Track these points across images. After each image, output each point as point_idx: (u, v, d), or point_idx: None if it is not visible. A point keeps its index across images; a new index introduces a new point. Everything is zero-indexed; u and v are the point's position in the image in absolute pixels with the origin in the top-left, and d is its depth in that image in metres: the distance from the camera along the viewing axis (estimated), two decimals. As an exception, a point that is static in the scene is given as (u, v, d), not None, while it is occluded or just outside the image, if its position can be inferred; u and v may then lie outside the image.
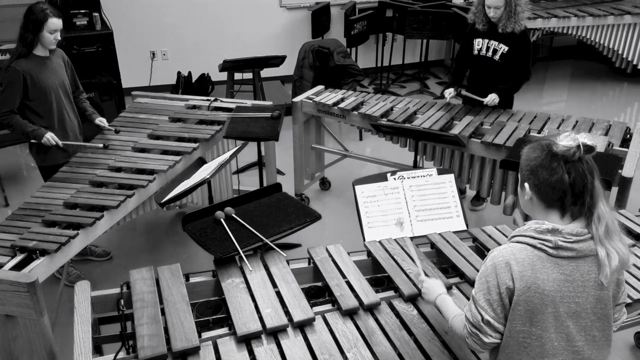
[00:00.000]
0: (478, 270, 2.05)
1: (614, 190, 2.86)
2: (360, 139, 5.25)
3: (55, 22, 3.00)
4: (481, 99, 3.60)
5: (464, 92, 3.71)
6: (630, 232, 2.47)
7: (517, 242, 1.49)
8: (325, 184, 4.46)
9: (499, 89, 3.58)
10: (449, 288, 2.02)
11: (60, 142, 3.10)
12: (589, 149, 1.43)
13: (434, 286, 1.78)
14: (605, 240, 1.45)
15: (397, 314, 1.91)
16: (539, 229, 1.46)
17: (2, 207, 4.16)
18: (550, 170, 1.43)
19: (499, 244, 2.26)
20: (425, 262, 2.14)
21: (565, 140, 1.43)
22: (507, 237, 2.31)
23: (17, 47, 3.04)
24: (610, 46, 6.08)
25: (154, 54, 6.06)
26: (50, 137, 3.06)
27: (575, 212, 1.46)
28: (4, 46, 4.84)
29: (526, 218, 2.37)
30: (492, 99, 3.55)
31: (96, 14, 5.11)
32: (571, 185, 1.43)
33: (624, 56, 6.15)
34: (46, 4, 3.09)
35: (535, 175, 1.46)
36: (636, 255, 2.32)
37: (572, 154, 1.42)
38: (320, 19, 6.08)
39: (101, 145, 3.25)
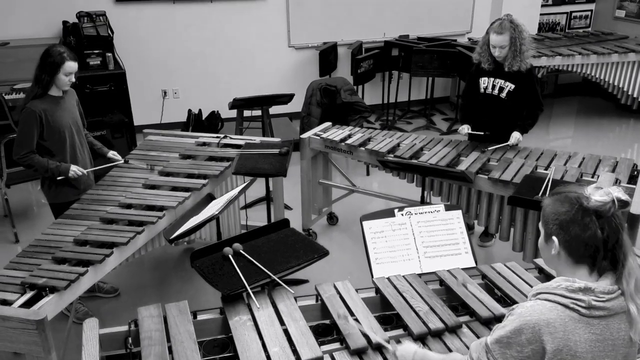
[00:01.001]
0: (487, 308, 2.06)
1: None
2: (368, 174, 5.27)
3: (71, 65, 3.08)
4: (504, 144, 3.57)
5: (470, 132, 3.72)
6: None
7: (546, 300, 1.42)
8: (332, 219, 4.47)
9: (519, 125, 3.61)
10: (458, 327, 2.00)
11: (85, 171, 3.19)
12: (623, 204, 1.38)
13: (406, 347, 1.72)
14: (635, 295, 1.41)
15: (406, 353, 1.89)
16: (571, 287, 1.40)
17: (13, 243, 4.19)
18: (582, 226, 1.38)
19: (509, 282, 2.24)
20: (434, 300, 2.12)
21: (599, 195, 1.38)
22: (517, 275, 2.30)
23: (33, 88, 3.11)
24: (615, 83, 6.14)
25: (165, 92, 6.19)
26: (76, 169, 3.14)
27: (605, 267, 1.42)
28: (19, 85, 4.96)
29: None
30: (516, 137, 3.57)
31: (109, 54, 5.25)
32: (604, 241, 1.38)
33: (629, 93, 6.20)
34: (63, 46, 3.18)
35: (566, 230, 1.40)
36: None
37: (607, 209, 1.37)
38: (327, 58, 6.21)
39: (122, 160, 3.42)
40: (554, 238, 1.44)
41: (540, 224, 1.50)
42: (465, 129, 3.68)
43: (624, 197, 1.39)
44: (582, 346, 1.37)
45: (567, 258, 1.44)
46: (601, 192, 1.39)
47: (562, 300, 1.39)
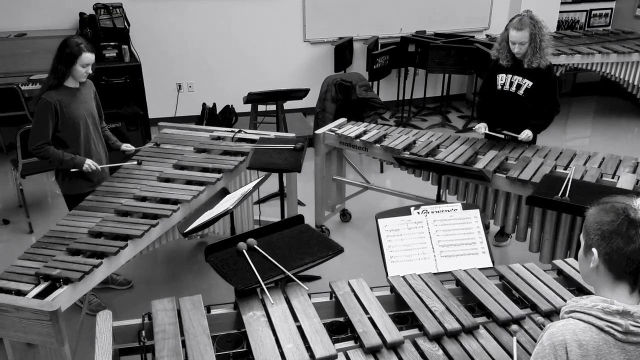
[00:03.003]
0: (505, 310, 2.02)
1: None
2: (381, 171, 5.24)
3: (88, 57, 3.08)
4: (515, 135, 3.55)
5: (504, 132, 3.64)
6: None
7: (580, 319, 1.33)
8: (345, 216, 4.44)
9: (533, 124, 3.56)
10: (475, 327, 1.97)
11: (99, 167, 3.17)
12: None
13: None
14: None
15: (422, 354, 1.86)
16: (608, 309, 1.31)
17: (27, 234, 4.22)
18: (627, 239, 1.29)
19: (528, 284, 2.20)
20: (450, 300, 2.09)
21: None
22: (535, 276, 2.25)
23: (49, 79, 3.11)
24: (635, 83, 6.03)
25: (180, 85, 6.19)
26: (90, 163, 3.14)
27: None
28: (35, 76, 4.99)
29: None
30: (526, 134, 3.52)
31: (125, 47, 5.26)
32: None
33: (649, 93, 6.09)
34: (81, 38, 3.18)
35: (608, 242, 1.32)
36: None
37: None
38: (343, 54, 6.17)
39: (135, 162, 3.37)
40: (594, 250, 1.35)
41: (581, 235, 1.42)
42: (482, 127, 3.63)
43: None
44: None
45: (606, 273, 1.35)
46: None
47: (597, 322, 1.31)
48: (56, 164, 3.15)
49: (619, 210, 1.33)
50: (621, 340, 1.30)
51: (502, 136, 3.60)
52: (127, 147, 3.45)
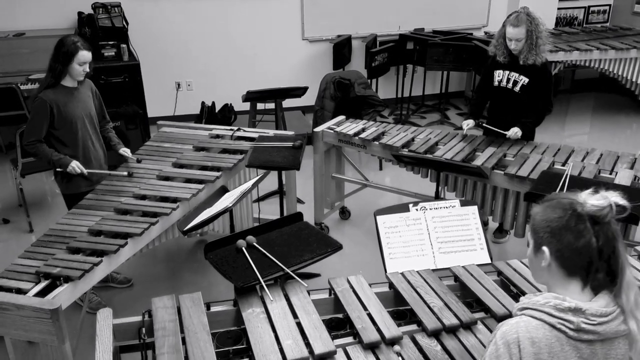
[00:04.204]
0: (503, 305, 2.04)
1: (642, 224, 2.79)
2: (380, 168, 5.25)
3: (85, 55, 3.08)
4: (503, 132, 3.58)
5: (485, 125, 3.71)
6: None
7: (532, 316, 1.31)
8: (345, 214, 4.45)
9: (522, 122, 3.57)
10: (473, 323, 1.98)
11: (85, 171, 3.16)
12: (621, 209, 1.28)
13: None
14: (636, 311, 1.30)
15: (420, 349, 1.87)
16: (560, 306, 1.29)
17: (27, 232, 4.23)
18: (577, 233, 1.27)
19: (526, 280, 2.21)
20: (448, 296, 2.10)
21: (594, 199, 1.28)
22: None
23: (46, 78, 3.12)
24: (633, 79, 6.04)
25: (179, 84, 6.20)
26: (75, 165, 3.12)
27: (600, 282, 1.31)
28: (34, 76, 5.00)
29: None
30: (514, 132, 3.54)
31: (124, 46, 5.27)
32: (599, 250, 1.27)
33: (648, 89, 6.10)
34: (77, 36, 3.18)
35: (558, 238, 1.29)
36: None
37: (604, 215, 1.27)
38: (341, 51, 6.17)
39: (125, 173, 3.27)
40: (545, 248, 1.33)
41: (529, 235, 1.39)
42: (469, 123, 3.66)
43: (622, 202, 1.29)
44: None
45: (558, 270, 1.33)
46: (597, 196, 1.29)
47: (550, 319, 1.29)
48: (45, 161, 3.17)
49: (565, 206, 1.31)
50: (573, 337, 1.27)
51: (499, 130, 3.61)
52: (124, 151, 3.41)
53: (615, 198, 1.29)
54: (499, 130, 3.60)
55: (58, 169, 3.14)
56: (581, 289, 1.33)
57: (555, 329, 1.28)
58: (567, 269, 1.32)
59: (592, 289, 1.33)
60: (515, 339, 1.29)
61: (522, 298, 1.41)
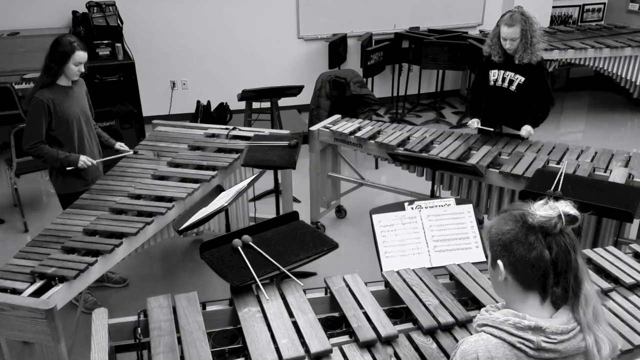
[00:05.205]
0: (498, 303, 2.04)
1: (636, 222, 2.81)
2: (376, 167, 5.25)
3: (81, 55, 3.07)
4: (517, 132, 3.58)
5: (480, 127, 3.68)
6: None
7: (491, 334, 1.28)
8: (341, 212, 4.45)
9: (530, 119, 3.57)
10: (469, 321, 1.99)
11: (94, 161, 3.19)
12: (572, 219, 1.24)
13: None
14: (594, 326, 1.27)
15: (416, 348, 1.88)
16: (520, 324, 1.25)
17: (22, 232, 4.21)
18: (527, 246, 1.24)
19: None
20: (444, 294, 2.11)
21: (543, 210, 1.26)
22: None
23: (41, 77, 3.11)
24: (628, 77, 6.06)
25: (174, 83, 6.18)
26: (85, 159, 3.14)
27: (558, 295, 1.28)
28: (28, 75, 4.98)
29: None
30: (527, 130, 3.54)
31: (118, 45, 5.25)
32: (553, 262, 1.24)
33: (642, 87, 6.12)
34: (73, 36, 3.17)
35: (510, 251, 1.26)
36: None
37: (552, 225, 1.24)
38: (337, 50, 6.17)
39: (132, 152, 3.40)
40: (499, 262, 1.30)
41: (487, 248, 1.37)
42: (474, 122, 3.65)
43: (573, 211, 1.25)
44: None
45: (515, 284, 1.29)
46: (546, 207, 1.26)
47: (509, 338, 1.25)
48: (51, 162, 3.14)
49: (516, 217, 1.28)
50: (533, 357, 1.24)
51: (492, 129, 3.62)
52: (121, 146, 3.45)
53: (565, 208, 1.25)
54: (514, 132, 3.60)
55: (68, 168, 3.12)
56: (540, 304, 1.30)
57: (515, 348, 1.25)
58: (523, 283, 1.29)
59: (552, 303, 1.30)
60: (474, 359, 1.26)
61: (481, 311, 1.39)
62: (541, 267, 1.25)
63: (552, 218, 1.24)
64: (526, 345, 1.24)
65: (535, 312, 1.29)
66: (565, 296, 1.28)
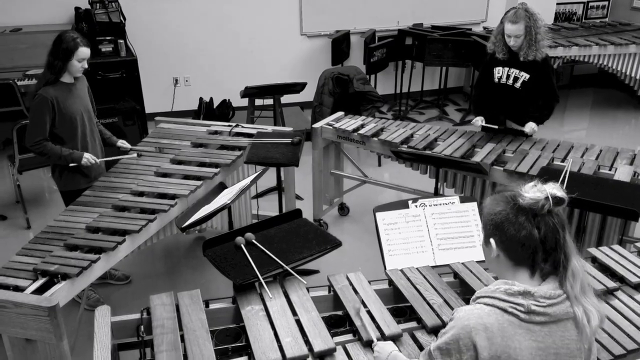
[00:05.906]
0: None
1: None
2: (379, 165, 5.24)
3: (84, 52, 3.06)
4: (521, 129, 3.55)
5: (484, 124, 3.66)
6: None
7: (485, 304, 1.36)
8: (343, 210, 4.44)
9: (534, 116, 3.56)
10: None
11: (98, 160, 3.17)
12: (559, 200, 1.32)
13: (384, 346, 1.70)
14: (581, 298, 1.35)
15: (420, 347, 1.87)
16: (509, 290, 1.34)
17: (25, 229, 4.21)
18: (517, 226, 1.32)
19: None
20: (448, 292, 2.10)
21: (532, 192, 1.33)
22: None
23: (45, 74, 3.09)
24: (632, 75, 6.03)
25: (176, 80, 6.17)
26: (89, 157, 3.13)
27: (547, 270, 1.36)
28: (31, 71, 4.97)
29: None
30: (531, 127, 3.53)
31: (121, 41, 5.24)
32: (542, 241, 1.32)
33: (647, 84, 6.09)
34: (76, 32, 3.15)
35: (502, 231, 1.35)
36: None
37: (540, 206, 1.31)
38: (340, 47, 6.15)
39: (135, 154, 3.38)
40: (492, 240, 1.39)
41: (481, 227, 1.46)
42: (479, 120, 3.63)
43: (560, 193, 1.32)
44: (523, 354, 1.30)
45: (506, 261, 1.39)
46: (535, 189, 1.34)
47: (500, 304, 1.34)
48: (55, 159, 3.13)
49: (507, 199, 1.36)
50: (525, 320, 1.32)
51: (496, 127, 3.60)
52: (122, 143, 3.43)
53: (552, 190, 1.32)
54: (519, 128, 3.58)
55: (71, 165, 3.11)
56: (529, 277, 1.38)
57: (507, 313, 1.33)
58: (514, 259, 1.37)
59: (541, 276, 1.38)
60: (466, 325, 1.33)
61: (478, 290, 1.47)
62: (530, 245, 1.33)
63: (540, 200, 1.32)
64: (517, 310, 1.32)
65: (525, 283, 1.37)
66: (555, 272, 1.36)
